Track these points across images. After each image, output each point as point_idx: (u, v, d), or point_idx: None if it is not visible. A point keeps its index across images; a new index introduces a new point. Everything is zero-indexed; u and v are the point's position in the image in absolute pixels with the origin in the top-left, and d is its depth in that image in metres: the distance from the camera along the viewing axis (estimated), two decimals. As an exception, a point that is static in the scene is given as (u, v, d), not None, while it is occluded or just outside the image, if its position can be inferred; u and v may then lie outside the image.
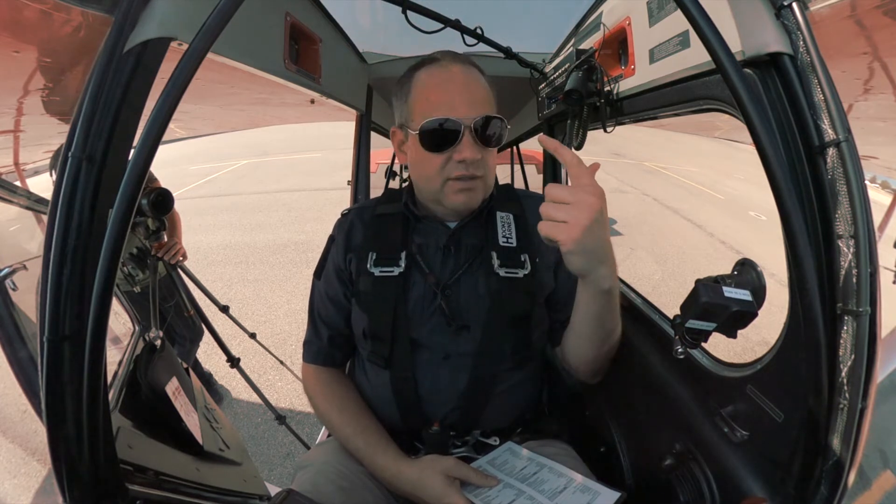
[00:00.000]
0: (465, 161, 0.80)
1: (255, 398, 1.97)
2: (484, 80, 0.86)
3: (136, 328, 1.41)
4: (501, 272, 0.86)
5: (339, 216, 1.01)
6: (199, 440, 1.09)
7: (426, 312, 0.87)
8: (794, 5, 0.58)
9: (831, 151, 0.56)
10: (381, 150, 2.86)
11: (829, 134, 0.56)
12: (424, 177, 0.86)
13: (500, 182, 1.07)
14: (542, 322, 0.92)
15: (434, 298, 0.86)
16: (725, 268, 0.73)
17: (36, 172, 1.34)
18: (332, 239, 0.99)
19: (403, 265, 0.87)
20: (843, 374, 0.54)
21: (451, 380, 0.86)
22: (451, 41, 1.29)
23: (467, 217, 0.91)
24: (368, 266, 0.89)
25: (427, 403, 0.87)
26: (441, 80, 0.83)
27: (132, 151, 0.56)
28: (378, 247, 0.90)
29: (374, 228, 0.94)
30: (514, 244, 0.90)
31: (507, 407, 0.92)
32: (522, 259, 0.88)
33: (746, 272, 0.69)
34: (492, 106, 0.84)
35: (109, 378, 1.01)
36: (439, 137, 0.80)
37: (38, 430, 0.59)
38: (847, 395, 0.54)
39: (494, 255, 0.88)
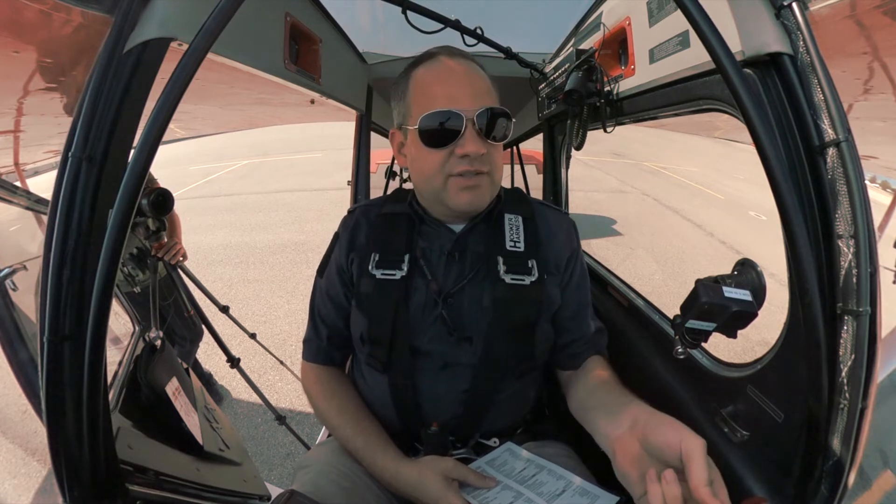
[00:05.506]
0: (468, 155, 0.76)
1: (255, 398, 1.96)
2: (485, 74, 0.82)
3: (136, 328, 1.40)
4: (507, 279, 0.83)
5: (346, 213, 0.98)
6: (199, 440, 1.09)
7: (427, 320, 0.84)
8: (794, 5, 0.58)
9: (831, 151, 0.56)
10: (381, 151, 2.85)
11: (829, 134, 0.56)
12: (425, 176, 0.81)
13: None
14: (547, 338, 0.89)
15: (435, 307, 0.84)
16: (725, 268, 0.73)
17: (36, 172, 1.34)
18: (336, 236, 0.96)
19: (406, 269, 0.85)
20: (843, 374, 0.54)
21: (450, 388, 0.85)
22: (451, 41, 1.29)
23: (475, 219, 0.88)
24: (370, 267, 0.86)
25: (426, 409, 0.86)
26: (440, 73, 0.79)
27: (132, 151, 0.56)
28: (381, 248, 0.88)
29: (379, 228, 0.91)
30: (522, 249, 0.86)
31: (508, 412, 0.91)
32: (530, 265, 0.85)
33: (746, 272, 0.69)
34: (494, 99, 0.81)
35: (109, 378, 1.01)
36: (440, 131, 0.75)
37: (38, 430, 0.59)
38: (847, 395, 0.54)
39: (501, 260, 0.84)
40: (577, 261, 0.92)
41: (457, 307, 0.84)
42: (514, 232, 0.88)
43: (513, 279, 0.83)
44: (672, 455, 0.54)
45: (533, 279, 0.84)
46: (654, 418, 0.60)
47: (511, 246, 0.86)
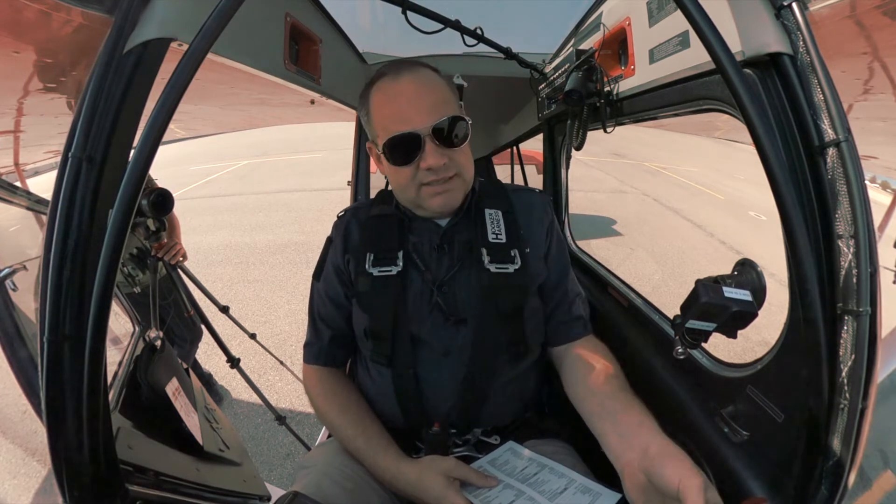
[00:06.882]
0: (431, 168, 0.81)
1: (255, 398, 1.96)
2: (438, 81, 0.85)
3: (136, 329, 1.40)
4: (492, 268, 0.88)
5: (336, 218, 1.02)
6: (199, 440, 1.09)
7: (425, 309, 0.88)
8: (794, 5, 0.58)
9: (831, 151, 0.56)
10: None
11: (829, 134, 0.56)
12: (400, 186, 0.88)
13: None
14: (536, 313, 0.93)
15: (431, 295, 0.88)
16: (726, 268, 0.73)
17: (36, 172, 1.34)
18: (329, 240, 1.00)
19: (401, 264, 0.89)
20: (843, 374, 0.54)
21: (451, 375, 0.88)
22: (451, 41, 1.29)
23: (458, 215, 0.93)
24: (367, 266, 0.90)
25: (428, 400, 0.88)
26: (392, 93, 0.83)
27: (132, 152, 0.56)
28: (375, 247, 0.92)
29: (371, 229, 0.95)
30: (504, 240, 0.91)
31: (507, 403, 0.92)
32: (512, 254, 0.90)
33: (746, 272, 0.69)
34: (449, 105, 0.83)
35: (109, 378, 1.01)
36: (402, 151, 0.81)
37: (38, 430, 0.59)
38: (847, 395, 0.54)
39: (485, 251, 0.89)
40: (554, 229, 0.98)
41: (450, 293, 0.89)
42: (495, 225, 0.93)
43: (497, 268, 0.88)
44: (672, 492, 0.55)
45: (516, 266, 0.89)
46: (662, 451, 0.60)
47: (493, 238, 0.91)
